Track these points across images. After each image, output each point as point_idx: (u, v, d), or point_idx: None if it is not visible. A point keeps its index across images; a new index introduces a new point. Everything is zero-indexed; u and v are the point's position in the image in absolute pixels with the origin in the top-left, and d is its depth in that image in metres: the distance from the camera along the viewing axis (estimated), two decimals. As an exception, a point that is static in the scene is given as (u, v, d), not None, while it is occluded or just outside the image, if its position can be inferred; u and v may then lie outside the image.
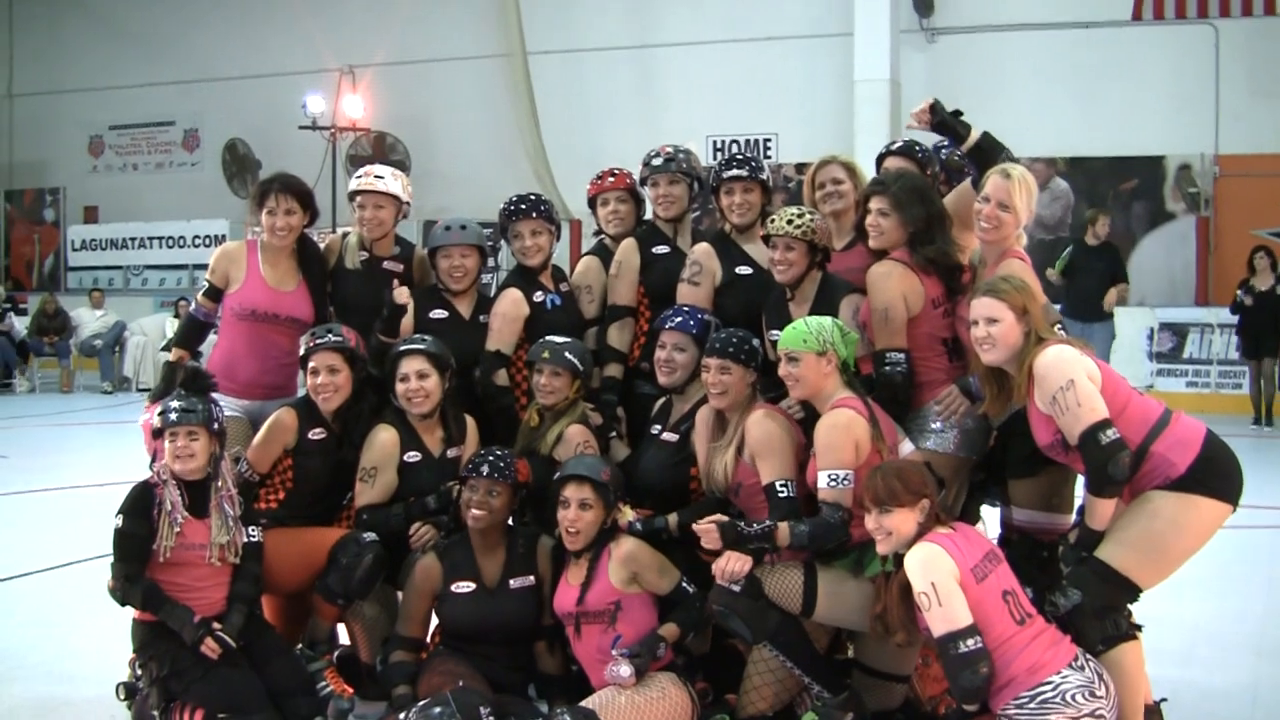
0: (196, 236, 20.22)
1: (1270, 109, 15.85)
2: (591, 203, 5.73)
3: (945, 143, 5.62)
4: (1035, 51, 16.81)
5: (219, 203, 20.85)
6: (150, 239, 20.69)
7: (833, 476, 4.27)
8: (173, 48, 21.26)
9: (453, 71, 19.58)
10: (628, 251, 5.49)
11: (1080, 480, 4.30)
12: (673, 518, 4.74)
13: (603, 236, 5.72)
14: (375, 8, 19.79)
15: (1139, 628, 4.16)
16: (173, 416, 4.56)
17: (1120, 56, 16.42)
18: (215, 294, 5.40)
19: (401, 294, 5.25)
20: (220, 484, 4.63)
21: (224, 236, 19.07)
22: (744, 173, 5.28)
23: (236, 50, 20.73)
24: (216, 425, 4.62)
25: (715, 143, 18.21)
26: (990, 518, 5.02)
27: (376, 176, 5.48)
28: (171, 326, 18.22)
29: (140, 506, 4.55)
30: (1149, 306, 15.48)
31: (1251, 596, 6.63)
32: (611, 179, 5.65)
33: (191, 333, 5.53)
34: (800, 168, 16.94)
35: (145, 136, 22.51)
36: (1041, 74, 16.72)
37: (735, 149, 18.14)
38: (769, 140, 18.21)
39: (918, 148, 5.40)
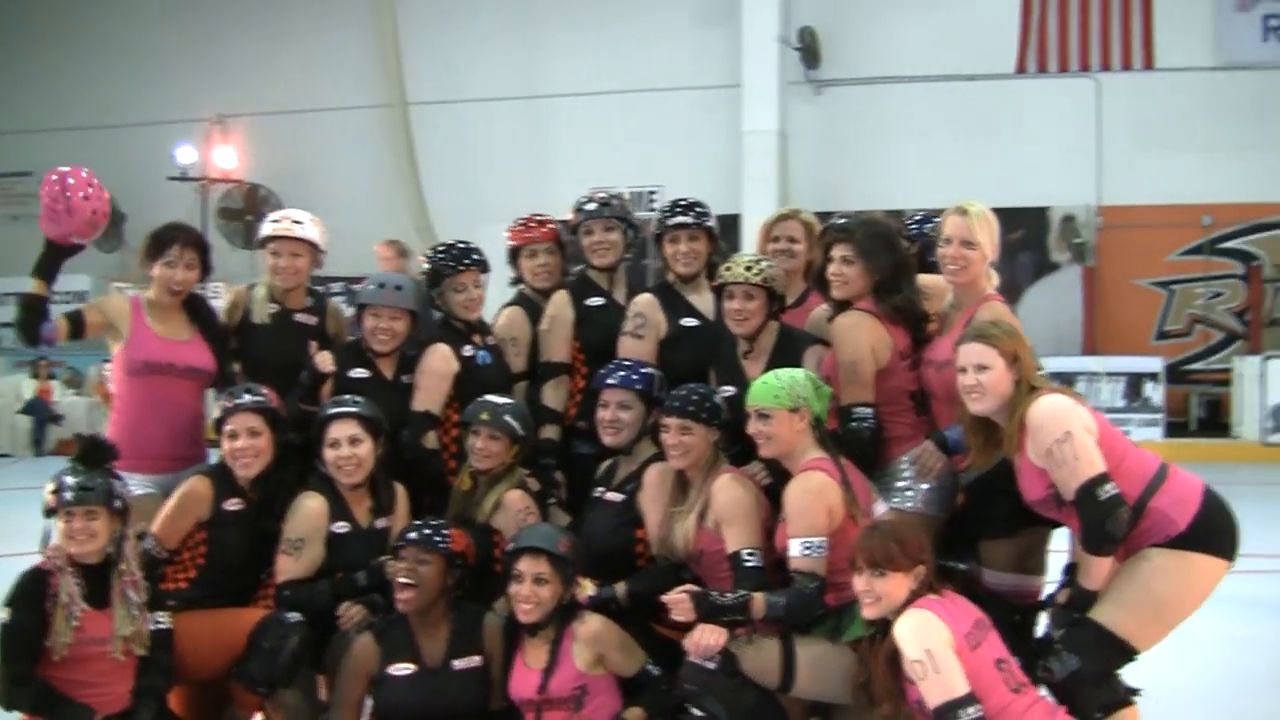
0: (56, 293, 19.08)
1: (1151, 161, 16.24)
2: (514, 254, 5.37)
3: (918, 218, 5.48)
4: (921, 103, 17.05)
5: (81, 258, 19.61)
6: (5, 295, 19.70)
7: (806, 544, 3.99)
8: (32, 94, 20.52)
9: (330, 122, 19.19)
10: (560, 305, 5.17)
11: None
12: (621, 587, 4.40)
13: (523, 288, 5.37)
14: (249, 55, 19.34)
15: (1136, 692, 3.94)
16: (68, 495, 4.06)
17: (1005, 109, 16.75)
18: (77, 324, 4.93)
19: (324, 360, 4.90)
20: (124, 568, 4.12)
21: (86, 294, 18.22)
22: (690, 220, 5.00)
23: (102, 98, 20.01)
24: (119, 502, 4.13)
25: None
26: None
27: (294, 221, 5.12)
28: (29, 388, 17.48)
29: (31, 597, 4.02)
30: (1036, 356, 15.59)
31: (1205, 652, 6.39)
32: (539, 228, 5.32)
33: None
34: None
35: (1, 188, 21.54)
36: (927, 126, 16.95)
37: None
38: (654, 192, 18.03)
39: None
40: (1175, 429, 15.26)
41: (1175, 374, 15.97)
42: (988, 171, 16.28)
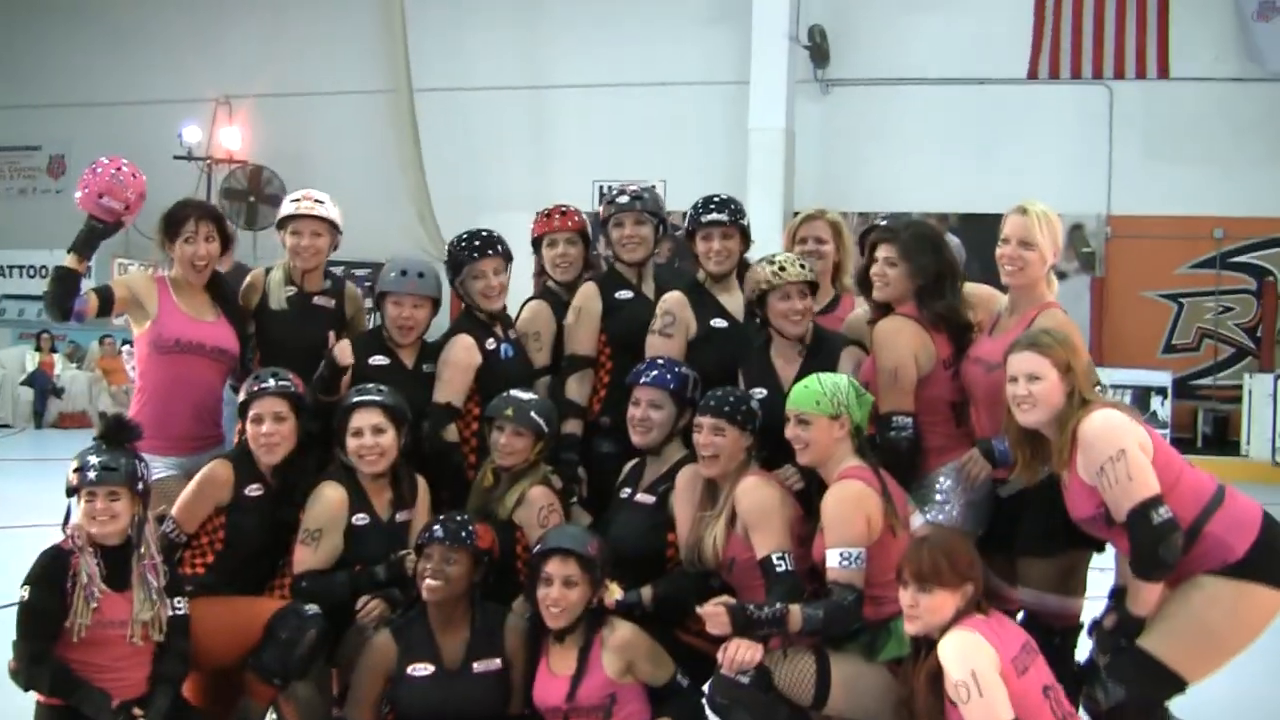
0: (47, 267, 19.17)
1: (1161, 171, 16.05)
2: (536, 243, 5.27)
3: None
4: (930, 106, 16.88)
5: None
6: (10, 268, 19.52)
7: (845, 555, 3.86)
8: (41, 70, 20.30)
9: (334, 105, 18.93)
10: (588, 297, 5.04)
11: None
12: (646, 591, 4.29)
13: (545, 279, 5.27)
14: (256, 37, 19.13)
15: None
16: (91, 475, 3.98)
17: (1015, 114, 16.56)
18: (106, 300, 4.81)
19: (344, 352, 4.77)
20: (144, 551, 4.04)
21: (90, 268, 18.10)
22: (724, 217, 4.87)
23: (109, 75, 19.78)
24: (141, 484, 4.05)
25: (603, 188, 17.82)
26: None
27: (315, 200, 5.01)
28: (32, 360, 17.50)
29: (51, 576, 3.94)
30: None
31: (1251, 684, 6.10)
32: (561, 218, 5.21)
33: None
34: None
35: (8, 161, 21.39)
36: (935, 129, 16.77)
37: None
38: (658, 188, 17.85)
39: None
40: (1181, 445, 14.94)
41: (1183, 389, 15.77)
42: (995, 177, 15.94)
